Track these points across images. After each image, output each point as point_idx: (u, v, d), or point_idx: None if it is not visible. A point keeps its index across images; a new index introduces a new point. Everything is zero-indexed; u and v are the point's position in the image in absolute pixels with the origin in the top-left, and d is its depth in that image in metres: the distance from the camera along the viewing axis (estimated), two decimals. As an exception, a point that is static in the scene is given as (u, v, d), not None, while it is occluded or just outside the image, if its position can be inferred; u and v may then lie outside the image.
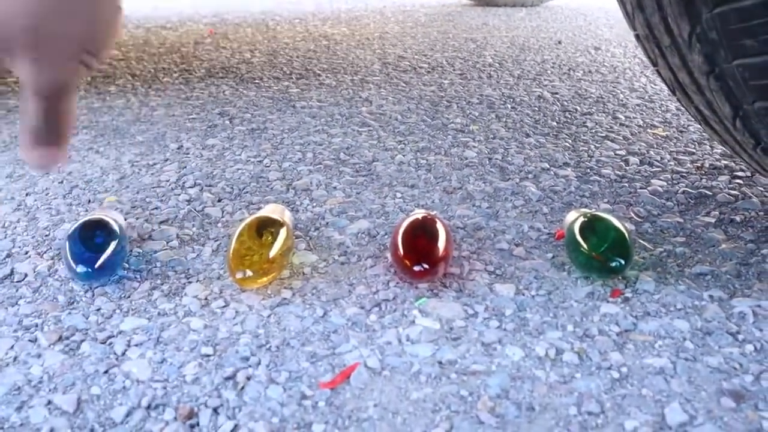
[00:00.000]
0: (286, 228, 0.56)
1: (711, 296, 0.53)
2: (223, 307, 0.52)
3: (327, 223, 0.67)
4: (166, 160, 0.86)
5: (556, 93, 1.24)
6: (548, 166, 0.84)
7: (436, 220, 0.57)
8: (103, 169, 0.83)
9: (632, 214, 0.69)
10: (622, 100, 1.19)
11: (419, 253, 0.53)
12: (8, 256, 0.60)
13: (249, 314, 0.51)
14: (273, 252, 0.53)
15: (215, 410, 0.41)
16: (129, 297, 0.53)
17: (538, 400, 0.41)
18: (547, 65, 1.53)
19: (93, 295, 0.53)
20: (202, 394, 0.42)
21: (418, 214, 0.58)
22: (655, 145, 0.93)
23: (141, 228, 0.66)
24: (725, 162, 0.86)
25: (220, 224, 0.67)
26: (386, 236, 0.64)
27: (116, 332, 0.49)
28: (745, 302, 0.52)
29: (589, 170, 0.83)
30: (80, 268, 0.53)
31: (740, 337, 0.48)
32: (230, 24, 2.25)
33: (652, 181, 0.79)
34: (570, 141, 0.95)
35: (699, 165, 0.85)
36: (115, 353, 0.46)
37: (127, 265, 0.58)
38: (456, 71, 1.44)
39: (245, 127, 1.01)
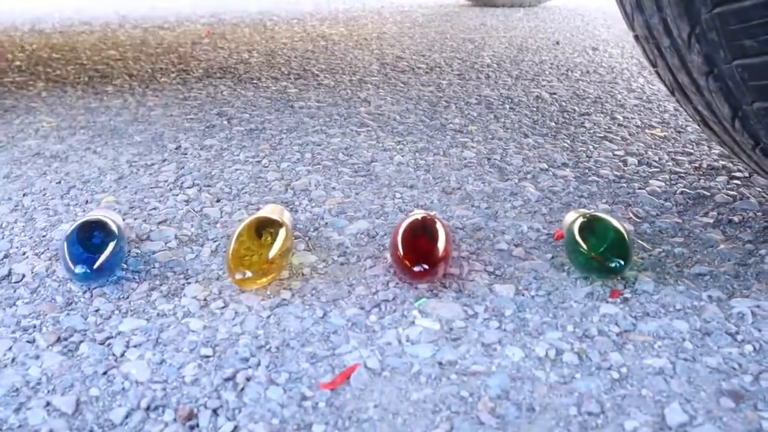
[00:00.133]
0: (286, 228, 0.56)
1: (710, 296, 0.53)
2: (223, 307, 0.52)
3: (326, 223, 0.67)
4: (164, 160, 0.86)
5: (555, 93, 1.24)
6: (547, 167, 0.84)
7: (436, 220, 0.57)
8: (100, 169, 0.83)
9: (631, 215, 0.69)
10: (620, 101, 1.19)
11: (419, 253, 0.53)
12: (6, 256, 0.60)
13: (248, 315, 0.50)
14: (272, 252, 0.53)
15: (215, 411, 0.41)
16: (128, 298, 0.53)
17: (539, 400, 0.41)
18: (545, 66, 1.53)
19: (91, 296, 0.53)
20: (202, 396, 0.42)
21: (418, 214, 0.58)
22: (653, 146, 0.93)
23: (139, 228, 0.66)
24: (723, 162, 0.86)
25: (218, 225, 0.67)
26: (385, 237, 0.64)
27: (115, 333, 0.48)
28: (743, 302, 0.52)
29: (587, 171, 0.83)
30: (78, 269, 0.52)
31: (739, 337, 0.48)
32: (228, 24, 2.24)
33: (650, 181, 0.79)
34: (568, 141, 0.95)
35: (697, 165, 0.85)
36: (113, 354, 0.46)
37: (125, 266, 0.58)
38: (454, 72, 1.45)
39: (243, 128, 1.01)
